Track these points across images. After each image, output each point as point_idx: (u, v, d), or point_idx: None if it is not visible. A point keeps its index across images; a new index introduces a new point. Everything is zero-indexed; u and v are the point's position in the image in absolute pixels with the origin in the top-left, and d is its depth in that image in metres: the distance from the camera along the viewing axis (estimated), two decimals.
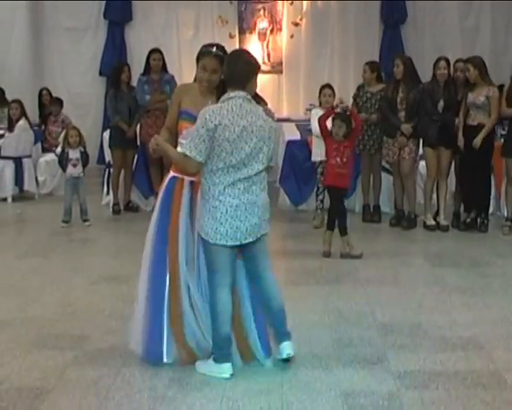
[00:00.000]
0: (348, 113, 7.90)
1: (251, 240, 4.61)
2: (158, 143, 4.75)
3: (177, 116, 5.01)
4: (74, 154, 9.13)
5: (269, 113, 5.17)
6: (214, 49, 4.90)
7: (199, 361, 4.76)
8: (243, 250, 4.69)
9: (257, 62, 4.74)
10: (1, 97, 11.98)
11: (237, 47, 13.35)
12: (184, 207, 4.81)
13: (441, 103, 8.80)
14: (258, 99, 5.20)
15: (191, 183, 4.81)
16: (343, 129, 7.71)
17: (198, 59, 4.95)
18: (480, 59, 8.85)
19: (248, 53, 4.82)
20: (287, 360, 4.78)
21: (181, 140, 4.87)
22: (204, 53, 4.92)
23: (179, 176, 4.86)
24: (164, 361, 4.80)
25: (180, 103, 5.01)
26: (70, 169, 9.17)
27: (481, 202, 8.97)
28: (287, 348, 4.76)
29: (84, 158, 9.23)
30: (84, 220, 9.25)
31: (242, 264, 4.78)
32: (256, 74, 4.68)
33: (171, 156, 4.75)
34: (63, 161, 9.24)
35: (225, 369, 4.63)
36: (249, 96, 4.60)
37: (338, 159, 7.69)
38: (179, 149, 4.76)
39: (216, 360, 4.65)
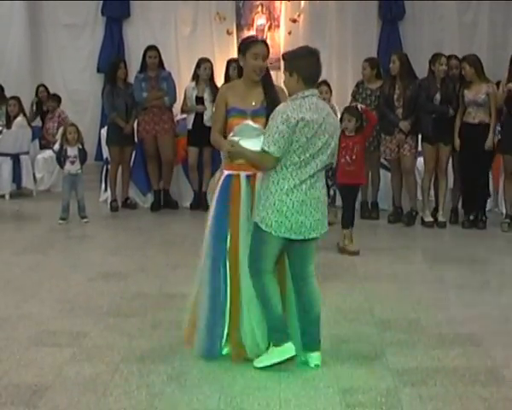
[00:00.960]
0: (360, 109, 7.91)
1: (315, 235, 4.65)
2: (233, 144, 4.75)
3: (226, 116, 4.99)
4: (72, 151, 9.12)
5: (334, 110, 5.24)
6: (259, 37, 5.00)
7: (258, 358, 4.73)
8: (295, 249, 4.70)
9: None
10: (0, 94, 11.98)
11: (235, 43, 13.37)
12: (244, 204, 4.81)
13: (437, 97, 8.81)
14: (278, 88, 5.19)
15: (248, 178, 4.81)
16: (352, 123, 7.73)
17: (243, 49, 4.97)
18: (476, 57, 8.86)
19: (317, 50, 4.75)
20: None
21: (232, 137, 4.87)
22: (252, 42, 4.99)
23: (234, 173, 4.85)
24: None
25: (227, 102, 4.99)
26: (68, 166, 9.16)
27: (480, 200, 8.97)
28: (316, 359, 4.77)
29: (82, 155, 9.22)
30: (82, 217, 9.24)
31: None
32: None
33: (248, 156, 4.69)
34: (61, 158, 9.23)
35: (288, 349, 4.63)
36: (319, 94, 4.70)
37: (347, 157, 7.70)
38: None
39: (276, 345, 4.65)
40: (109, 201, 10.15)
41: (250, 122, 4.87)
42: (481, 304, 6.09)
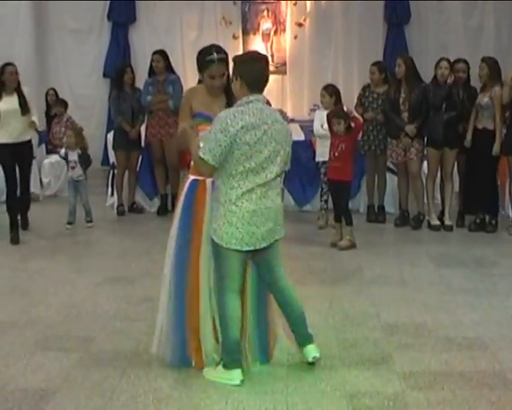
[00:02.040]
0: (346, 110, 8.11)
1: (265, 245, 4.56)
2: (187, 131, 4.76)
3: (191, 118, 4.98)
4: (72, 156, 9.09)
5: (284, 116, 5.19)
6: (215, 55, 4.82)
7: (207, 368, 4.71)
8: (257, 256, 4.65)
9: (267, 58, 4.69)
10: None
11: (241, 47, 13.40)
12: (209, 210, 4.76)
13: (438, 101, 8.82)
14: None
15: (213, 183, 4.75)
16: (342, 125, 8.04)
17: (201, 68, 4.91)
18: (495, 60, 8.85)
19: (265, 56, 4.70)
20: (312, 364, 4.78)
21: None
22: (207, 62, 4.85)
23: (199, 178, 4.83)
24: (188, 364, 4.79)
25: (191, 106, 4.98)
26: (70, 172, 9.17)
27: (489, 203, 8.95)
28: (312, 351, 4.76)
29: (84, 159, 9.16)
30: (87, 221, 9.25)
31: (253, 272, 4.76)
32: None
33: (192, 151, 4.69)
34: (66, 163, 9.28)
35: (235, 375, 4.55)
36: (266, 99, 4.60)
37: (332, 153, 8.11)
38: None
39: (225, 366, 4.59)
40: (116, 205, 10.16)
41: None
42: (488, 308, 6.08)
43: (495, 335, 5.42)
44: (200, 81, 9.58)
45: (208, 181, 4.79)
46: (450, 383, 4.57)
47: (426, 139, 9.03)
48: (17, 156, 8.58)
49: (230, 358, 4.57)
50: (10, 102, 8.53)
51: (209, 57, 4.84)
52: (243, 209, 4.43)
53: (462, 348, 5.16)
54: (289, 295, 4.76)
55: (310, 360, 4.75)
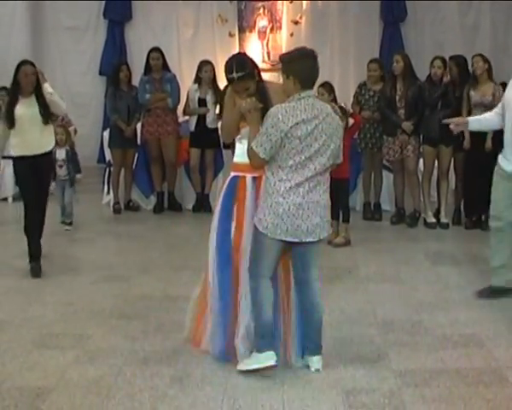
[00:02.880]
0: (344, 107, 8.13)
1: (311, 239, 4.60)
2: (255, 107, 4.74)
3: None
4: (60, 154, 8.97)
5: (335, 110, 5.21)
6: (234, 74, 4.82)
7: (241, 362, 4.71)
8: (297, 250, 4.68)
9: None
10: (5, 96, 12.00)
11: (237, 45, 13.40)
12: (249, 205, 4.83)
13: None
14: (269, 85, 5.19)
15: (253, 179, 4.83)
16: (342, 122, 7.90)
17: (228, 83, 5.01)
18: (486, 57, 8.87)
19: (312, 51, 4.72)
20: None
21: (239, 140, 4.96)
22: (229, 80, 4.91)
23: (240, 174, 4.90)
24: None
25: (235, 102, 4.99)
26: (58, 170, 9.02)
27: (486, 202, 8.95)
28: (317, 363, 4.75)
29: (71, 157, 9.06)
30: (67, 223, 9.07)
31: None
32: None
33: (252, 131, 4.65)
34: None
35: (269, 356, 4.58)
36: (316, 94, 4.63)
37: None
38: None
39: (259, 350, 4.61)
40: (112, 203, 10.15)
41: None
42: (484, 305, 6.09)
43: (491, 332, 5.43)
44: (197, 78, 9.71)
45: (248, 177, 4.86)
46: (445, 380, 4.58)
47: (422, 137, 9.03)
48: (35, 171, 7.13)
49: (264, 341, 4.61)
50: (28, 107, 7.09)
51: (230, 76, 4.88)
52: (290, 202, 4.48)
53: (457, 345, 5.17)
54: (316, 299, 4.79)
55: (313, 370, 4.75)
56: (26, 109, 7.07)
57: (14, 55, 13.45)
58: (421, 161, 9.26)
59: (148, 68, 9.95)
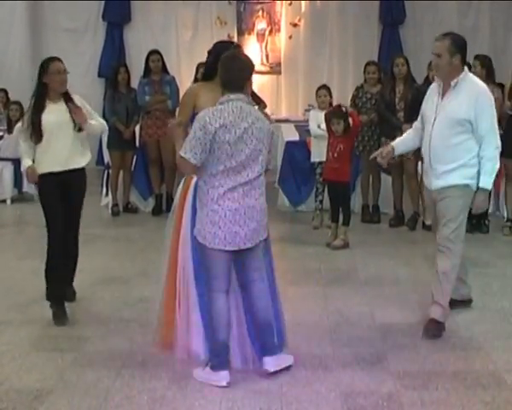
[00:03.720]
0: (344, 109, 8.11)
1: (249, 245, 4.54)
2: (175, 128, 4.82)
3: (191, 117, 4.98)
4: None
5: (266, 116, 5.17)
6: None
7: (196, 369, 4.70)
8: (237, 258, 4.61)
9: (251, 63, 4.68)
10: (4, 98, 12.05)
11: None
12: (189, 209, 4.84)
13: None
14: (258, 100, 5.22)
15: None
16: (341, 125, 8.05)
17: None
18: (489, 59, 8.88)
19: (243, 54, 4.76)
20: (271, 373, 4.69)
21: None
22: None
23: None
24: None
25: (195, 104, 5.00)
26: None
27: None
28: (269, 364, 4.66)
29: None
30: None
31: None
32: (251, 75, 4.64)
33: (176, 149, 4.67)
34: None
35: (222, 377, 4.55)
36: (248, 98, 4.57)
37: (330, 153, 8.14)
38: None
39: (213, 368, 4.59)
40: (110, 205, 10.15)
41: None
42: (483, 308, 6.09)
43: (489, 335, 5.43)
44: (196, 80, 9.73)
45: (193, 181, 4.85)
46: (444, 382, 4.58)
47: None
48: (64, 192, 5.92)
49: (218, 360, 4.57)
50: (58, 113, 5.86)
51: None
52: (225, 208, 4.43)
53: (456, 347, 5.17)
54: (260, 300, 4.67)
55: (270, 371, 4.66)
56: (54, 116, 5.82)
57: (12, 57, 13.53)
58: (420, 163, 9.26)
59: (147, 71, 9.96)
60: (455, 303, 5.76)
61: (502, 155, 8.66)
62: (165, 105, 9.81)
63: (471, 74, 5.64)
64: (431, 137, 5.42)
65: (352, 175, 8.95)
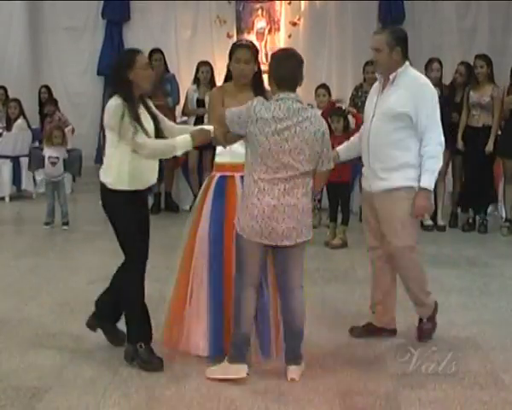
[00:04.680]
0: (344, 108, 8.14)
1: (287, 243, 4.49)
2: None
3: None
4: (55, 152, 8.98)
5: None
6: (243, 41, 5.09)
7: (210, 368, 4.68)
8: (277, 256, 4.60)
9: (302, 59, 4.64)
10: (3, 95, 12.06)
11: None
12: (209, 207, 4.92)
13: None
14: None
15: (242, 179, 4.75)
16: (341, 123, 8.15)
17: (230, 54, 5.02)
18: (490, 58, 8.90)
19: (296, 52, 4.69)
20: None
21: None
22: (236, 46, 5.05)
23: (228, 174, 4.95)
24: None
25: (223, 103, 4.98)
26: (48, 168, 8.99)
27: (482, 202, 8.98)
28: (293, 373, 4.63)
29: (68, 158, 9.04)
30: (63, 224, 9.07)
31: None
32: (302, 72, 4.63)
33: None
34: (36, 161, 8.99)
35: (240, 369, 4.54)
36: (299, 98, 4.54)
37: None
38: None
39: (231, 361, 4.57)
40: None
41: None
42: (481, 308, 6.10)
43: (487, 335, 5.44)
44: (196, 79, 9.65)
45: (237, 177, 4.89)
46: (441, 382, 4.58)
47: None
48: (143, 213, 5.27)
49: (237, 352, 4.56)
50: (146, 120, 4.83)
51: (238, 43, 5.14)
52: (264, 203, 4.41)
53: (454, 347, 5.17)
54: (298, 308, 4.65)
55: (288, 379, 4.64)
56: (147, 124, 4.82)
57: (11, 54, 13.52)
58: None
59: None
60: (375, 331, 5.39)
61: (499, 154, 8.80)
62: (165, 102, 9.79)
63: (412, 68, 5.25)
64: (369, 134, 5.11)
65: (352, 175, 8.94)
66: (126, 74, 4.73)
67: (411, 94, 4.97)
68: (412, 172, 5.00)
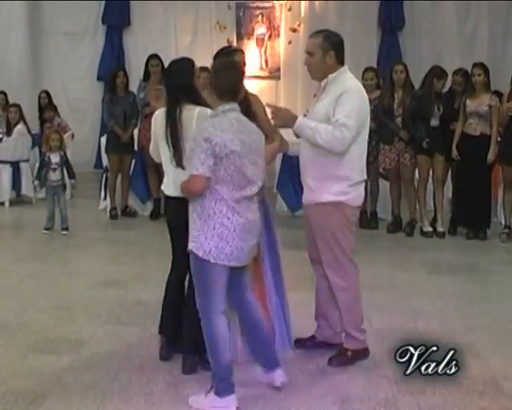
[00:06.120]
0: None
1: (247, 262, 4.40)
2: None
3: None
4: (54, 158, 9.00)
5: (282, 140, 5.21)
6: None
7: (194, 397, 4.41)
8: (234, 275, 4.38)
9: (242, 68, 4.63)
10: (3, 100, 12.08)
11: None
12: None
13: (436, 112, 8.82)
14: (252, 97, 5.20)
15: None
16: None
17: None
18: (487, 66, 8.90)
19: (235, 61, 4.67)
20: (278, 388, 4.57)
21: None
22: (229, 51, 5.21)
23: None
24: None
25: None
26: (51, 175, 9.01)
27: (481, 217, 8.94)
28: (281, 376, 4.55)
29: (65, 162, 9.08)
30: (63, 229, 9.04)
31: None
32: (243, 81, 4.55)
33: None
34: (44, 167, 9.02)
35: (230, 401, 4.28)
36: (239, 108, 4.37)
37: None
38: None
39: (219, 394, 4.28)
40: (109, 209, 10.15)
41: None
42: (480, 314, 6.10)
43: (486, 341, 5.44)
44: None
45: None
46: (441, 388, 4.58)
47: (416, 146, 9.03)
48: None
49: (224, 385, 4.29)
50: None
51: (227, 49, 5.35)
52: (234, 222, 4.21)
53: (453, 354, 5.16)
54: (257, 316, 4.55)
55: (277, 384, 4.54)
56: None
57: (12, 60, 13.55)
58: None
59: (146, 75, 9.95)
60: (316, 345, 5.20)
61: (499, 161, 8.80)
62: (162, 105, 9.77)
63: (347, 74, 4.84)
64: (300, 146, 4.94)
65: None
66: (191, 80, 5.04)
67: (334, 99, 4.69)
68: (340, 186, 4.75)
